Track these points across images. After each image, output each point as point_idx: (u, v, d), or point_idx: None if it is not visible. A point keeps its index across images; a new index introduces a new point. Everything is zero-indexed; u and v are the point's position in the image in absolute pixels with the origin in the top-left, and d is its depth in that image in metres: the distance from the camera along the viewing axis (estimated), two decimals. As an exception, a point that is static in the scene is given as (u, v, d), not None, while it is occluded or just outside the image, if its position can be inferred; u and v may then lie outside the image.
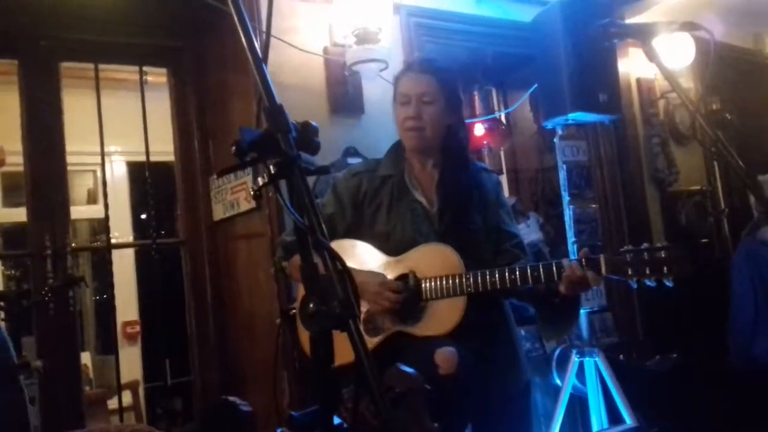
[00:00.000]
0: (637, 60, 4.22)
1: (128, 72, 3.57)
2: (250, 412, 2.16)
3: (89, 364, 4.49)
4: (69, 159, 2.95)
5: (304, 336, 2.05)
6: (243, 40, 1.03)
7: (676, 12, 4.05)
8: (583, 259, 1.84)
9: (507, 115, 4.68)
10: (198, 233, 3.21)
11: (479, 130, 4.37)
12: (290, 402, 2.65)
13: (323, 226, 0.96)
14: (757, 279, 3.28)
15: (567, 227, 2.98)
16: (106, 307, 4.55)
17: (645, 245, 1.83)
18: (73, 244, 2.92)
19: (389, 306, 1.93)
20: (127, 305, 4.82)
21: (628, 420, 2.70)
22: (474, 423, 1.91)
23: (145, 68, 3.30)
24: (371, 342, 1.93)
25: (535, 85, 3.32)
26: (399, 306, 1.92)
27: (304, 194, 0.96)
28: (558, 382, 3.11)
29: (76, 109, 3.13)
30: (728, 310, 3.39)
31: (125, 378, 3.83)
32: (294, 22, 3.00)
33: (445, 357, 1.77)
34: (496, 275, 1.87)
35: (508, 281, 1.86)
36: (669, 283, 1.77)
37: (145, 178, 3.30)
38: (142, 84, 3.22)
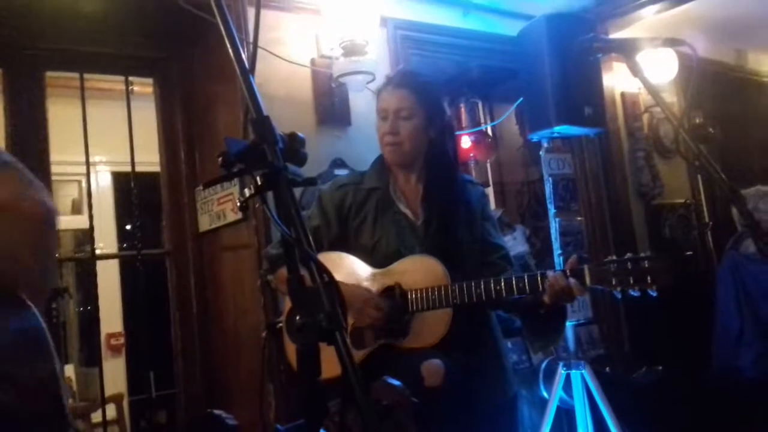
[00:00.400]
0: (621, 74, 4.27)
1: (114, 82, 3.55)
2: (235, 425, 2.13)
3: (72, 377, 4.44)
4: (54, 169, 2.93)
5: (291, 349, 2.05)
6: (230, 51, 1.03)
7: (659, 28, 4.11)
8: (568, 270, 1.85)
9: (493, 128, 4.71)
10: (183, 244, 3.19)
11: (465, 142, 4.39)
12: (276, 415, 2.63)
13: (310, 238, 0.96)
14: (741, 292, 3.31)
15: (553, 239, 3.00)
16: (90, 319, 4.52)
17: (629, 255, 1.84)
18: (57, 255, 2.89)
19: (370, 322, 1.93)
20: (111, 317, 4.77)
21: (615, 432, 2.70)
22: (460, 435, 1.90)
23: (131, 78, 3.28)
24: (358, 355, 1.93)
25: (521, 99, 3.35)
26: (383, 322, 1.92)
27: (290, 206, 0.96)
28: (545, 394, 3.12)
29: (61, 118, 3.11)
30: (713, 322, 3.41)
31: (109, 391, 3.79)
32: (281, 33, 3.01)
33: (431, 369, 1.77)
34: (482, 286, 1.87)
35: (493, 292, 1.86)
36: (653, 293, 1.78)
37: (131, 188, 3.28)
38: (128, 94, 3.20)
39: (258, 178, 0.97)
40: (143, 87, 3.53)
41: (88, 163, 3.10)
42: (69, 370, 4.38)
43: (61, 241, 4.84)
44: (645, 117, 4.49)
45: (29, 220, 1.07)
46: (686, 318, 3.60)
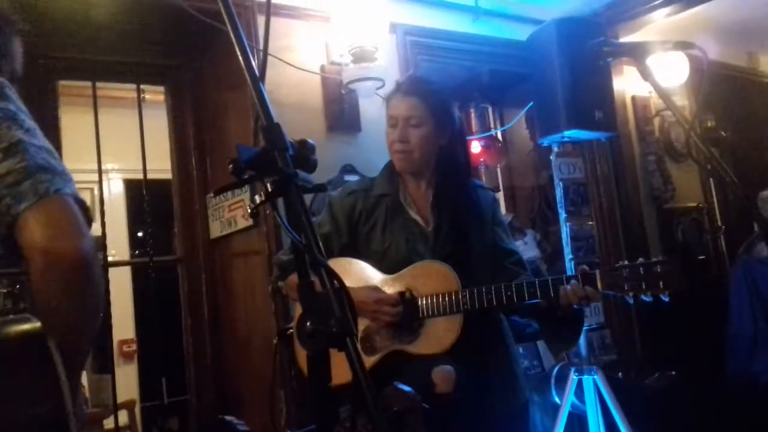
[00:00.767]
0: (632, 78, 4.25)
1: (126, 90, 3.58)
2: (247, 431, 2.14)
3: (85, 383, 4.46)
4: (66, 177, 2.95)
5: (302, 355, 2.05)
6: (240, 58, 1.03)
7: (669, 31, 4.09)
8: (580, 275, 1.84)
9: (503, 133, 4.71)
10: (195, 251, 3.21)
11: (476, 147, 4.39)
12: (287, 421, 2.63)
13: (320, 244, 0.96)
14: (754, 296, 3.28)
15: (564, 244, 2.98)
16: (102, 326, 4.52)
17: (640, 260, 1.82)
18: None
19: (389, 320, 1.92)
20: (123, 323, 4.80)
21: (627, 438, 2.68)
22: (472, 442, 1.89)
23: (142, 86, 3.31)
24: (369, 361, 1.92)
25: (531, 103, 3.34)
26: (399, 318, 1.91)
27: (301, 212, 0.96)
28: (557, 400, 3.10)
29: (74, 127, 3.14)
30: (726, 327, 3.38)
31: (121, 397, 3.80)
32: (291, 40, 3.02)
33: (442, 375, 1.76)
34: (493, 292, 1.86)
35: (504, 298, 1.86)
36: (665, 298, 1.76)
37: (143, 195, 3.30)
38: (140, 102, 3.23)
39: (268, 185, 0.98)
40: (155, 95, 3.55)
41: (100, 171, 3.13)
42: (82, 377, 4.40)
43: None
44: (656, 121, 4.47)
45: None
46: (699, 322, 3.57)
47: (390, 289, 1.98)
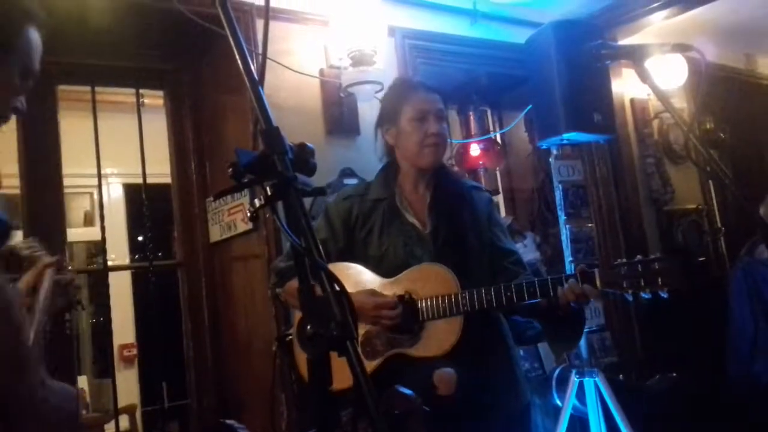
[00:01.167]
0: (630, 80, 4.26)
1: (125, 95, 3.58)
2: (247, 435, 2.14)
3: (86, 388, 4.46)
4: (66, 181, 2.96)
5: (302, 359, 2.04)
6: (239, 62, 1.04)
7: (668, 33, 4.10)
8: (579, 274, 1.84)
9: (502, 136, 4.71)
10: (195, 255, 3.21)
11: (475, 150, 4.39)
12: (288, 425, 2.63)
13: (320, 247, 0.96)
14: (755, 298, 3.27)
15: (564, 246, 2.98)
16: (103, 330, 4.53)
17: (638, 257, 1.82)
18: (69, 267, 2.91)
19: (389, 323, 1.91)
20: (123, 328, 4.80)
21: (629, 440, 2.68)
22: (473, 445, 1.89)
23: (141, 91, 3.32)
24: (369, 365, 1.92)
25: (530, 106, 3.34)
26: (398, 321, 1.91)
27: (300, 216, 0.96)
28: (558, 402, 3.09)
29: (73, 131, 3.14)
30: (727, 328, 3.38)
31: (122, 402, 3.80)
32: (290, 44, 3.03)
33: (443, 378, 1.76)
34: (492, 293, 1.86)
35: (504, 298, 1.86)
36: (664, 295, 1.76)
37: (142, 200, 3.30)
38: (139, 106, 3.23)
39: (268, 189, 0.98)
40: (154, 99, 3.56)
41: (99, 176, 3.13)
42: (82, 382, 4.39)
43: (73, 253, 4.87)
44: (655, 123, 4.47)
45: None
46: (700, 324, 3.57)
47: (389, 293, 1.97)
